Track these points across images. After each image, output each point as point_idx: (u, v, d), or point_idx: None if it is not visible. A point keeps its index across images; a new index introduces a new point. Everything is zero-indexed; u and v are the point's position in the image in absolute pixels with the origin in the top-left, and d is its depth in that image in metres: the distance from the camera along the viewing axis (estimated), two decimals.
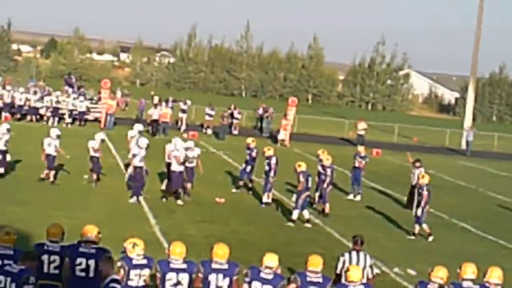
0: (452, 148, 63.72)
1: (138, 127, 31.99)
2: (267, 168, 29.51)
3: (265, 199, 29.31)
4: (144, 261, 13.50)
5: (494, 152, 62.46)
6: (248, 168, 31.92)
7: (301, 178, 26.29)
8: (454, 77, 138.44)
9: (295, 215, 26.22)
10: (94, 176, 29.98)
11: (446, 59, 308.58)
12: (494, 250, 25.76)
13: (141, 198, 27.71)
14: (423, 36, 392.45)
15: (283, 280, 13.74)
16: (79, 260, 13.64)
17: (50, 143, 30.18)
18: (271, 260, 13.67)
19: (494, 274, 14.25)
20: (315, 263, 13.80)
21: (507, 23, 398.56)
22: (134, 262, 13.38)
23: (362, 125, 57.54)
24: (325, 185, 28.91)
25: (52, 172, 29.89)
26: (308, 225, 26.29)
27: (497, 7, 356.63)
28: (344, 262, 15.48)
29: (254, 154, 32.16)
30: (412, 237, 26.11)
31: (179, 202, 27.97)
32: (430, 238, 26.01)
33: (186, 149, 28.89)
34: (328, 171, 29.22)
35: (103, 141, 31.51)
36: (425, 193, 26.21)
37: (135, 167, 27.93)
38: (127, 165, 31.57)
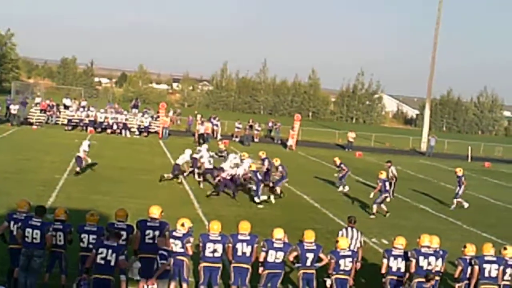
0: (414, 150, 63.64)
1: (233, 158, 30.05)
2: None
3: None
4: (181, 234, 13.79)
5: (444, 153, 62.15)
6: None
7: (379, 183, 26.32)
8: (415, 98, 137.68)
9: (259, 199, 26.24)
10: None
11: (409, 85, 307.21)
12: (445, 225, 25.67)
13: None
14: (392, 65, 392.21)
15: (290, 246, 13.90)
16: (147, 231, 13.76)
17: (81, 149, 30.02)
18: (278, 233, 13.86)
19: (434, 241, 14.41)
20: (310, 236, 13.98)
21: (454, 57, 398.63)
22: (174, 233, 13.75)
23: (352, 135, 57.93)
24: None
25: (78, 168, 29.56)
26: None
27: (448, 44, 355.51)
28: (342, 235, 15.60)
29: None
30: (372, 216, 25.71)
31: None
32: (372, 216, 25.72)
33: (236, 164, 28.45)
34: (280, 168, 28.29)
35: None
36: (380, 183, 26.23)
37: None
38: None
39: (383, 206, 26.26)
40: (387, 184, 26.50)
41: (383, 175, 26.63)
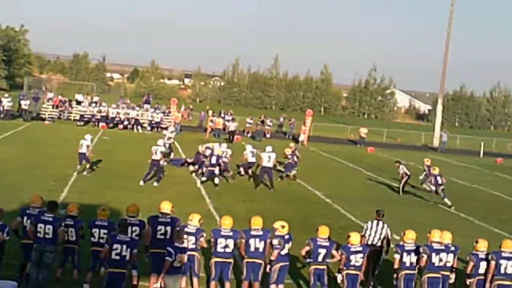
0: (426, 145, 63.48)
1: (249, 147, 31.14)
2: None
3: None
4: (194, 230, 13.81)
5: (456, 149, 61.96)
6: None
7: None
8: (427, 94, 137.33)
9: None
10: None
11: (421, 80, 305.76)
12: (457, 221, 25.63)
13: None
14: (405, 61, 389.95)
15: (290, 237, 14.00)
16: (159, 227, 13.84)
17: (83, 143, 28.63)
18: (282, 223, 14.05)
19: (446, 236, 14.32)
20: (324, 232, 13.98)
21: (467, 52, 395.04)
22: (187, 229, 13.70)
23: (364, 130, 57.97)
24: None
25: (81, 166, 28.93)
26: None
27: (461, 39, 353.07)
28: (367, 228, 15.77)
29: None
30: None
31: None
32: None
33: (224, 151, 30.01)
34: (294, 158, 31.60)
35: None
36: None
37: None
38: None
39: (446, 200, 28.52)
40: (438, 178, 28.82)
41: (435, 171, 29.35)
